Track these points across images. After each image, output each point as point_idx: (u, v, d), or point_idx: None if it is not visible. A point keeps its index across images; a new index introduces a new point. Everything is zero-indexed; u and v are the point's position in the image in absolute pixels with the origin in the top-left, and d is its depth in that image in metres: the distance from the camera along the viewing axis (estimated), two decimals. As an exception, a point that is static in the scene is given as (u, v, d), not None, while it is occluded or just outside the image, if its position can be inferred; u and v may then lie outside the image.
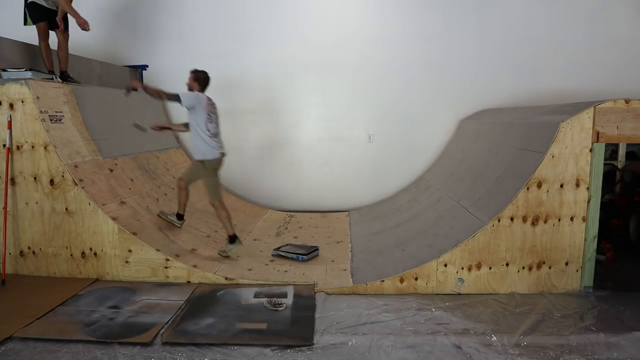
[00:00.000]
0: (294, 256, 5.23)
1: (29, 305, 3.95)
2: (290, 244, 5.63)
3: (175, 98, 4.71)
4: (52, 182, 4.55)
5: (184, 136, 7.59)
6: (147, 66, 7.49)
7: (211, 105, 5.04)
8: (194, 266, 4.60)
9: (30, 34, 5.38)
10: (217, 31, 7.40)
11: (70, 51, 5.56)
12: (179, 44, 7.44)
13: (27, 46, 5.44)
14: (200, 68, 5.10)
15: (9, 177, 4.55)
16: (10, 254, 4.65)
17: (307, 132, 7.62)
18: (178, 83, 7.37)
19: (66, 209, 4.57)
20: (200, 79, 5.02)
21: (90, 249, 4.61)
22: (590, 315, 3.91)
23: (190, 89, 5.01)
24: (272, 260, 5.13)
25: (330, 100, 7.53)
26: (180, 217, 5.26)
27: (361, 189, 7.68)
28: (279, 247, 5.44)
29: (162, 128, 5.33)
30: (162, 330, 3.57)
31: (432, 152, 7.51)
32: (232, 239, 5.06)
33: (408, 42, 7.30)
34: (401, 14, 7.27)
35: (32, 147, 4.50)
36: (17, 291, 4.27)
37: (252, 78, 7.49)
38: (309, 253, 5.27)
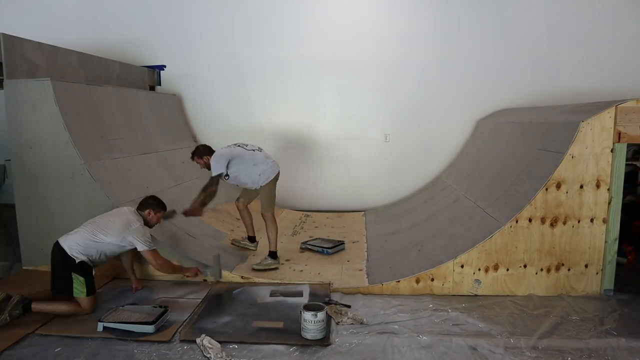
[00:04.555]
0: (320, 249, 5.36)
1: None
2: (319, 238, 5.78)
3: (215, 179, 4.71)
4: (71, 179, 4.61)
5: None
6: (164, 66, 7.58)
7: (237, 146, 4.94)
8: (211, 265, 4.64)
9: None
10: (233, 31, 7.45)
11: (90, 52, 5.58)
12: (196, 44, 7.53)
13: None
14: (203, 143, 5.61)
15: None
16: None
17: (324, 131, 7.62)
18: (195, 83, 7.57)
19: (86, 207, 4.64)
20: (202, 152, 4.99)
21: (110, 247, 4.67)
22: (610, 319, 3.83)
23: (207, 164, 4.90)
24: (287, 260, 5.14)
25: (347, 99, 7.52)
26: (251, 239, 5.43)
27: (377, 189, 7.65)
28: (307, 241, 5.62)
29: (194, 212, 4.77)
30: (180, 328, 3.62)
31: (449, 152, 7.45)
32: (274, 254, 4.91)
33: (424, 41, 7.24)
34: (415, 13, 7.23)
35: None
36: (38, 287, 4.34)
37: (268, 78, 7.53)
38: (334, 247, 5.38)
